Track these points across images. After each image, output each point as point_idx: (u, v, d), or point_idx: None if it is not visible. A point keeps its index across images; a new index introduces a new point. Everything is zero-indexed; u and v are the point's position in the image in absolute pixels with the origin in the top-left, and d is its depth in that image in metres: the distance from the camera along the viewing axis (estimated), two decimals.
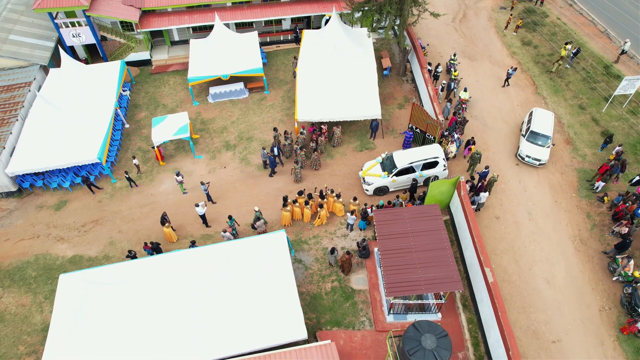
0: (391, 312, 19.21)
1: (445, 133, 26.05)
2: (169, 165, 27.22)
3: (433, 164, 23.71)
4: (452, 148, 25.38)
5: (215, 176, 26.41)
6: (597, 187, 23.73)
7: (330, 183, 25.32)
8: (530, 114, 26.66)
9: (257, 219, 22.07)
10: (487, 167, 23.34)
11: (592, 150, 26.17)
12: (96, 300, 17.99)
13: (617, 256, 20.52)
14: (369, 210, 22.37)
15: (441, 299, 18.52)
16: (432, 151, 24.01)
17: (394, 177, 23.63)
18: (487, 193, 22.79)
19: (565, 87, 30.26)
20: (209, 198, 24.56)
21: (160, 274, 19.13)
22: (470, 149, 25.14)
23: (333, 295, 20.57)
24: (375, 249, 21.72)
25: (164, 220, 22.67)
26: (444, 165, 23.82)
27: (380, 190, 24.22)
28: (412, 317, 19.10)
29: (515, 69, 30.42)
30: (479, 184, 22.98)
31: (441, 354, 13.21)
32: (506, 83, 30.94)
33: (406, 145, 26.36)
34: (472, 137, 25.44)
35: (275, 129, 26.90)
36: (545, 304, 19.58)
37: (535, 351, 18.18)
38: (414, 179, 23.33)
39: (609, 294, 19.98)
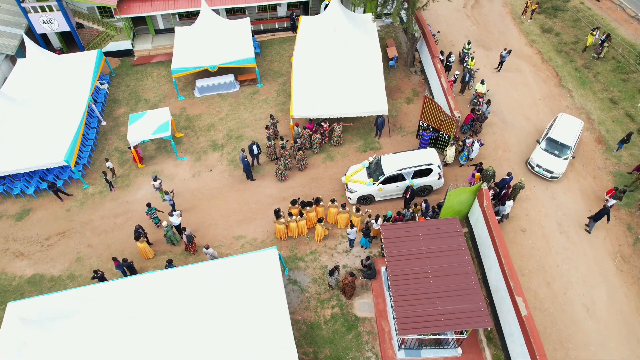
0: (402, 347, 16.15)
1: (467, 137, 22.49)
2: (148, 168, 24.10)
3: (426, 172, 20.56)
4: (450, 152, 22.08)
5: (200, 180, 23.32)
6: (611, 205, 19.68)
7: (329, 188, 22.27)
8: (554, 120, 23.15)
9: (169, 239, 20.00)
10: (509, 174, 20.12)
11: (628, 151, 22.97)
12: (45, 345, 14.86)
13: None
14: (373, 222, 19.28)
15: (462, 334, 15.44)
16: (426, 157, 20.82)
17: (380, 184, 20.60)
18: (512, 201, 19.67)
19: (593, 79, 27.00)
20: (174, 209, 21.45)
21: (130, 302, 16.06)
22: (474, 176, 20.72)
23: (333, 324, 17.51)
24: (383, 269, 18.63)
25: (138, 234, 19.57)
26: (439, 174, 20.67)
27: (365, 199, 21.20)
28: (427, 353, 16.05)
29: (509, 52, 27.20)
30: (503, 192, 19.85)
31: None
32: (499, 67, 27.75)
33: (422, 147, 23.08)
34: (480, 163, 20.89)
35: (271, 116, 24.04)
36: (586, 338, 16.48)
37: None
38: (409, 186, 20.36)
39: None
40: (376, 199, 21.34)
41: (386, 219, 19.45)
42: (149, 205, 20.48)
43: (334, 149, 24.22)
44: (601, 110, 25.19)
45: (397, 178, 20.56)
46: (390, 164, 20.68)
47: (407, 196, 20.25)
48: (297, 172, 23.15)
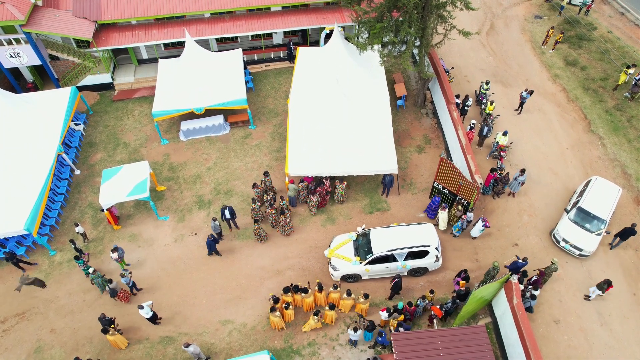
0: None
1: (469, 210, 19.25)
2: (125, 229, 21.24)
3: (421, 254, 17.79)
4: (442, 216, 19.29)
5: (183, 247, 20.46)
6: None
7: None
8: (587, 184, 20.03)
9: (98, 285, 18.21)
10: (524, 259, 17.15)
11: None
12: None
13: None
14: (381, 313, 16.43)
15: None
16: (423, 235, 18.01)
17: (367, 264, 17.91)
18: (538, 291, 16.79)
19: (627, 124, 24.02)
20: (134, 288, 18.75)
21: None
22: (459, 284, 17.39)
23: None
24: None
25: (105, 324, 16.70)
26: (437, 256, 17.85)
27: (350, 277, 18.47)
28: None
29: (530, 92, 24.20)
30: (533, 279, 16.95)
31: None
32: (520, 109, 24.81)
33: (430, 212, 20.30)
34: (465, 271, 17.54)
35: (266, 174, 21.11)
36: None
37: None
38: (395, 277, 17.45)
39: None
40: (363, 278, 18.60)
41: (396, 309, 16.59)
42: (77, 258, 18.21)
43: (336, 208, 21.32)
44: (639, 163, 22.25)
45: (388, 258, 17.82)
46: (381, 242, 17.94)
47: (391, 287, 17.52)
48: (293, 239, 20.28)
